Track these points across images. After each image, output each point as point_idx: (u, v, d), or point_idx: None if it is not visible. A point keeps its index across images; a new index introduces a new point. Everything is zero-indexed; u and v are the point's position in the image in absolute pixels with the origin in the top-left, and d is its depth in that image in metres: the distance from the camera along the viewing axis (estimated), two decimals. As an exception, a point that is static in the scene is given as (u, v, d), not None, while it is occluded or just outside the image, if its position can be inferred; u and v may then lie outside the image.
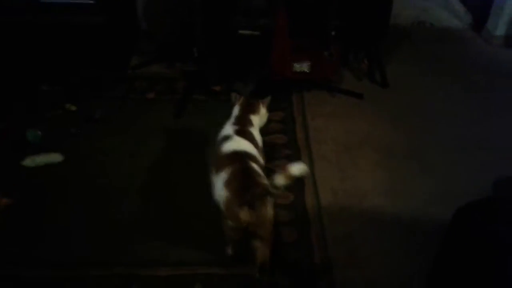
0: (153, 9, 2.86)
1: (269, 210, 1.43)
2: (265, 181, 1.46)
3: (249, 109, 1.76)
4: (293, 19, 2.32)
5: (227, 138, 1.63)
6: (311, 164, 2.04)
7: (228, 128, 1.69)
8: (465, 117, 2.36)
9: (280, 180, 1.33)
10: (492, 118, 2.35)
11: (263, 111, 1.79)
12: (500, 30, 2.95)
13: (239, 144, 1.61)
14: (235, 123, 1.71)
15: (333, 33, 2.55)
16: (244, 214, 1.38)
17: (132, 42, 2.83)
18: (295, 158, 2.07)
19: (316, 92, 2.48)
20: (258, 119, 1.77)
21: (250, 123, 1.73)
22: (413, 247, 1.67)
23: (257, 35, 2.47)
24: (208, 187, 1.56)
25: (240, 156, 1.54)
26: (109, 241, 1.67)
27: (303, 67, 2.36)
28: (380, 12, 2.82)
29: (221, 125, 1.73)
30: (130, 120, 2.27)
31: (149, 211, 1.80)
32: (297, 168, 1.33)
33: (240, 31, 2.54)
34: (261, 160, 1.61)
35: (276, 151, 2.11)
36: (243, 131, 1.67)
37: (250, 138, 1.66)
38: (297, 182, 1.92)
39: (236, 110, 1.76)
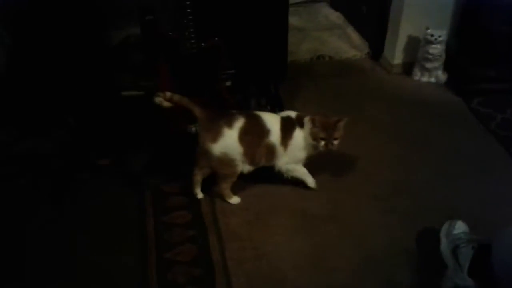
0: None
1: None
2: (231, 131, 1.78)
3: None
4: (180, 76, 2.06)
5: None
6: (220, 245, 1.77)
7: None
8: (377, 160, 2.20)
9: None
10: (405, 157, 2.23)
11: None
12: (398, 59, 2.92)
13: (262, 114, 1.90)
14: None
15: (228, 83, 2.34)
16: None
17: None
18: (201, 239, 1.79)
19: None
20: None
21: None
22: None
23: (142, 95, 2.17)
24: None
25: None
26: None
27: (200, 126, 2.09)
28: (275, 52, 2.66)
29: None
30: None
31: None
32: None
33: (123, 93, 2.22)
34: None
35: (175, 233, 1.81)
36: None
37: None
38: (207, 272, 1.65)
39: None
